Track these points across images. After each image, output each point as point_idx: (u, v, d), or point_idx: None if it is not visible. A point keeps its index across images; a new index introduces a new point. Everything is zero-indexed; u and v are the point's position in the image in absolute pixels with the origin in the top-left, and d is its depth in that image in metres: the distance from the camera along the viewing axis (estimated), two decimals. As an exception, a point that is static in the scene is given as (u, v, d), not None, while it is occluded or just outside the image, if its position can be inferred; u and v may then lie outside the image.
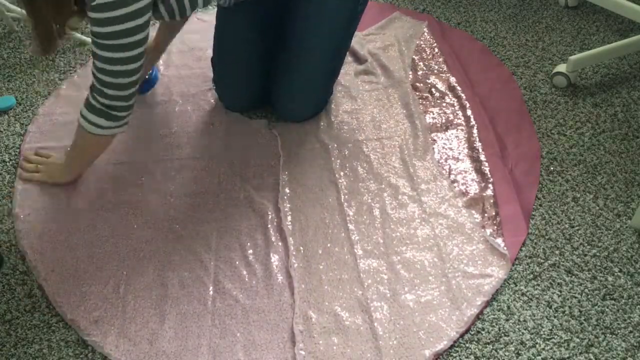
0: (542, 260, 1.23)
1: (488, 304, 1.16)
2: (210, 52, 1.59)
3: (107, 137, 1.29)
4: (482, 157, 1.44)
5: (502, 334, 1.12)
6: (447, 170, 1.42)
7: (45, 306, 1.18)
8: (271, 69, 1.49)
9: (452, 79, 1.66)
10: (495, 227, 1.29)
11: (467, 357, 1.09)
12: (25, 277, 1.23)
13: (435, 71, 1.69)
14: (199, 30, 1.83)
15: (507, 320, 1.14)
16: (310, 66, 1.45)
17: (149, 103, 1.61)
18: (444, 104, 1.59)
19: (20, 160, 1.45)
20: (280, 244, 1.27)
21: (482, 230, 1.28)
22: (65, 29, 1.19)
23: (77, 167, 1.40)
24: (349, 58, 1.72)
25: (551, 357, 1.08)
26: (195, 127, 1.54)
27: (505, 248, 1.24)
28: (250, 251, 1.26)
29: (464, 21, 1.88)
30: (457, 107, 1.58)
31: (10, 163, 1.46)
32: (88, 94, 1.22)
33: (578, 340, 1.11)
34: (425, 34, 1.82)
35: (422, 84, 1.65)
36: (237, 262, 1.23)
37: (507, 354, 1.09)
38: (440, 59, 1.73)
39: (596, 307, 1.15)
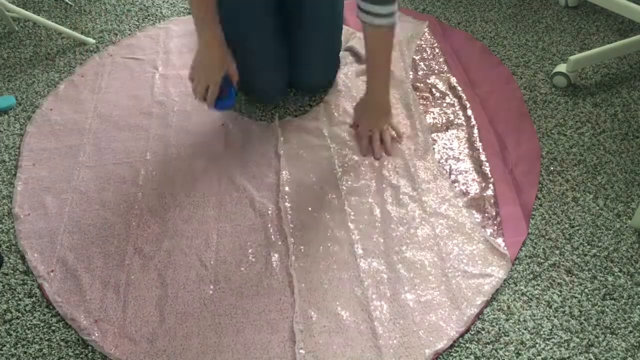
0: (542, 260, 1.23)
1: (488, 303, 1.16)
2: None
3: None
4: (483, 157, 1.44)
5: (502, 334, 1.12)
6: (448, 170, 1.42)
7: (45, 306, 1.18)
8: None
9: (453, 79, 1.66)
10: (496, 227, 1.29)
11: (467, 357, 1.09)
12: (25, 277, 1.23)
13: (436, 71, 1.69)
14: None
15: (507, 320, 1.14)
16: (325, 36, 1.57)
17: (149, 103, 1.61)
18: (445, 104, 1.59)
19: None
20: (280, 243, 1.27)
21: (483, 230, 1.28)
22: None
23: None
24: (349, 58, 1.73)
25: (551, 357, 1.08)
26: (194, 126, 1.54)
27: (505, 248, 1.24)
28: (251, 250, 1.26)
29: (464, 21, 1.88)
30: (457, 107, 1.58)
31: (10, 163, 1.46)
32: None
33: (578, 340, 1.10)
34: (426, 34, 1.82)
35: (422, 84, 1.65)
36: (237, 262, 1.24)
37: (507, 354, 1.09)
38: (441, 59, 1.73)
39: (596, 307, 1.15)
